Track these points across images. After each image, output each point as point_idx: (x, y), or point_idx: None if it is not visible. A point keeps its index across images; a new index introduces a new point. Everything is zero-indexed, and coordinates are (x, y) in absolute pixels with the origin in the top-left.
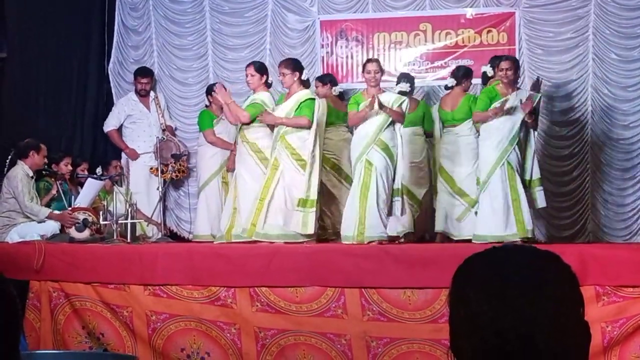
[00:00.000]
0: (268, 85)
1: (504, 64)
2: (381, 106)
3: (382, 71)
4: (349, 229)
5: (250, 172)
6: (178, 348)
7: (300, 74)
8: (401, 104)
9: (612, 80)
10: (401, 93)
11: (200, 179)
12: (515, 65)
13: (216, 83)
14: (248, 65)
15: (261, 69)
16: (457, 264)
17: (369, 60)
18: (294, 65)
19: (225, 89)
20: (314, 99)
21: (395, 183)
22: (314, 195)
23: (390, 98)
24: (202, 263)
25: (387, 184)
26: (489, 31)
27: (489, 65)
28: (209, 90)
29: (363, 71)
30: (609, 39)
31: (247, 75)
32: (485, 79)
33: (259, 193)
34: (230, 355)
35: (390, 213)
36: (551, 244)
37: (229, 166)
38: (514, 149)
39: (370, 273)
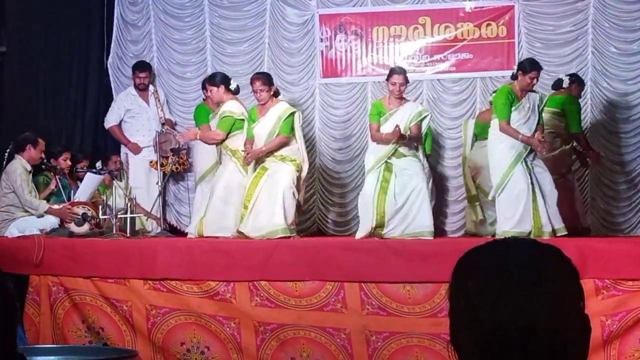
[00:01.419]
0: (234, 92)
1: (534, 74)
2: (403, 137)
3: (407, 82)
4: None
5: (231, 178)
6: (178, 342)
7: (273, 87)
8: (423, 119)
9: (611, 74)
10: None
11: (197, 173)
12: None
13: (213, 77)
14: (205, 81)
15: (223, 80)
16: (457, 258)
17: (395, 71)
18: (270, 80)
19: (188, 131)
20: (293, 112)
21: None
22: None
23: (412, 110)
24: (202, 257)
25: (416, 184)
26: (488, 24)
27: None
28: (204, 85)
29: (387, 79)
30: (608, 32)
31: (209, 91)
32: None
33: (244, 200)
34: (230, 349)
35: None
36: (551, 238)
37: None
38: (528, 151)
39: (369, 267)
